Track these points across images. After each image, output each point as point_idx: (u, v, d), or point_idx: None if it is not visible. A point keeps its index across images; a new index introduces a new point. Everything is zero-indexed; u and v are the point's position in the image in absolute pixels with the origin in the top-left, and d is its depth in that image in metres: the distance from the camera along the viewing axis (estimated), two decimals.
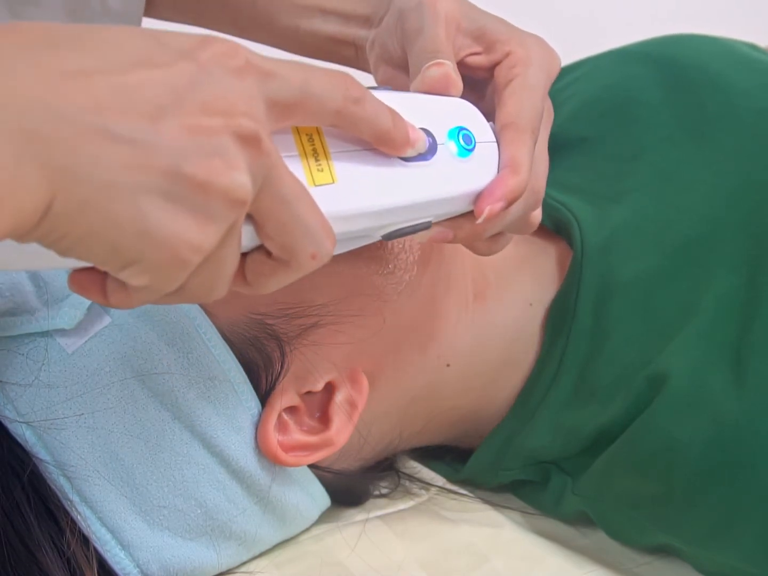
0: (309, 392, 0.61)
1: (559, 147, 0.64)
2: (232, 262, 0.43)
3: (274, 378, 0.59)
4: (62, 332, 0.56)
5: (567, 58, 0.67)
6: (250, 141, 0.40)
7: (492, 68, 0.57)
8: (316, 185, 0.46)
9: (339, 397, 0.61)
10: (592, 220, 0.69)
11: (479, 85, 0.59)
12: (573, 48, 0.87)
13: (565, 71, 0.82)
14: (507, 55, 0.56)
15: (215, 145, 0.39)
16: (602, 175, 0.74)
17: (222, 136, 0.40)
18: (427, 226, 0.51)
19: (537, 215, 0.58)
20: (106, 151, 0.38)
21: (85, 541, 0.56)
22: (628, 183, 0.72)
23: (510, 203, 0.52)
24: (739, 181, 0.69)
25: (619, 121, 0.76)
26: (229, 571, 0.63)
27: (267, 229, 0.43)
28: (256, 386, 0.59)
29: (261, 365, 0.59)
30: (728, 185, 0.69)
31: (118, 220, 0.38)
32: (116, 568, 0.58)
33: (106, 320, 0.56)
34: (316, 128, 0.47)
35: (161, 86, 0.39)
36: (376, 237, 0.51)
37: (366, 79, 0.57)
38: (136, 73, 0.39)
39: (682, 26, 0.84)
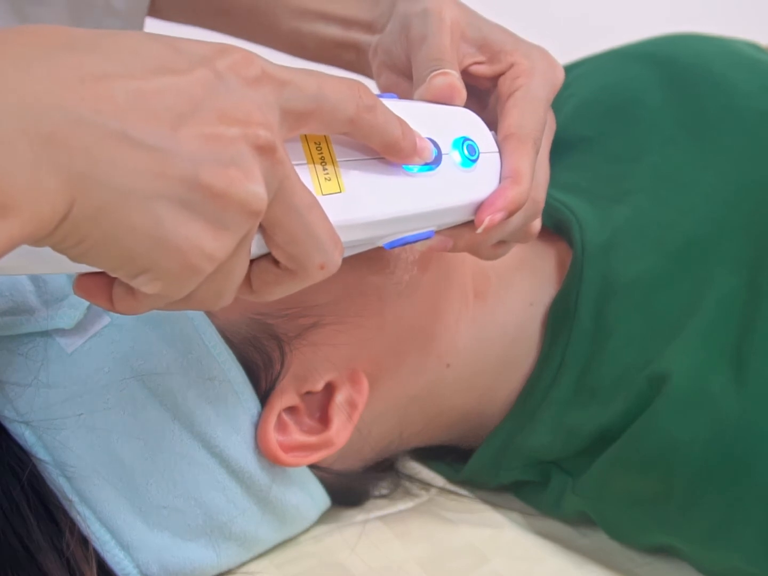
0: (309, 392, 0.61)
1: (559, 146, 0.64)
2: (241, 271, 0.43)
3: (273, 378, 0.59)
4: (62, 332, 0.56)
5: (563, 60, 0.67)
6: (265, 151, 0.41)
7: (495, 78, 0.57)
8: (323, 194, 0.46)
9: (339, 398, 0.61)
10: (593, 220, 0.69)
11: (482, 94, 0.59)
12: (571, 50, 0.87)
13: (565, 70, 0.83)
14: (511, 65, 0.57)
15: (232, 155, 0.40)
16: (603, 175, 0.74)
17: (239, 146, 0.40)
18: (429, 235, 0.52)
19: (537, 225, 0.59)
20: (124, 156, 0.38)
21: (84, 541, 0.56)
22: (629, 184, 0.72)
23: (510, 214, 0.52)
24: (740, 183, 0.69)
25: (621, 121, 0.76)
26: (229, 571, 0.63)
27: (276, 238, 0.43)
28: (256, 386, 0.59)
29: (261, 365, 0.59)
30: (729, 186, 0.69)
31: (135, 227, 0.39)
32: (116, 568, 0.58)
33: (106, 320, 0.56)
34: (324, 136, 0.47)
35: (179, 93, 0.39)
36: (378, 244, 0.51)
37: (367, 83, 0.57)
38: (155, 80, 0.39)
39: (682, 26, 0.84)
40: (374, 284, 0.62)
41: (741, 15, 1.33)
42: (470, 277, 0.67)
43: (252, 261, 0.45)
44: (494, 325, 0.67)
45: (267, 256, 0.45)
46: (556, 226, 0.71)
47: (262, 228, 0.43)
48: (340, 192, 0.47)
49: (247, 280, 0.46)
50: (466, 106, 0.55)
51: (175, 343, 0.57)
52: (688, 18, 1.02)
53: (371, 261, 0.61)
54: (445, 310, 0.65)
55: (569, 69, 0.84)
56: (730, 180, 0.69)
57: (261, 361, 0.59)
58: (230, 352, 0.58)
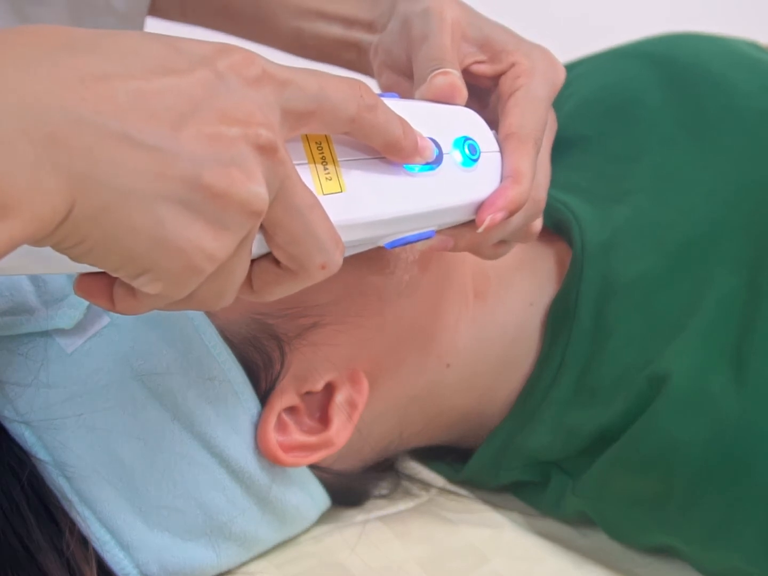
0: (309, 392, 0.61)
1: (559, 145, 0.64)
2: (242, 271, 0.43)
3: (273, 378, 0.59)
4: (61, 332, 0.56)
5: (563, 60, 0.67)
6: (266, 151, 0.41)
7: (496, 78, 0.58)
8: (324, 194, 0.46)
9: (339, 398, 0.61)
10: (593, 220, 0.69)
11: (482, 94, 0.59)
12: (571, 50, 0.87)
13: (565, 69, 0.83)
14: (512, 65, 0.57)
15: (233, 155, 0.40)
16: (603, 175, 0.74)
17: (240, 146, 0.40)
18: (430, 235, 0.52)
19: (537, 224, 0.59)
20: (126, 157, 0.38)
21: (84, 541, 0.56)
22: (629, 183, 0.72)
23: (511, 213, 0.52)
24: (740, 182, 0.69)
25: (620, 121, 0.76)
26: (229, 571, 0.63)
27: (277, 238, 0.43)
28: (256, 386, 0.59)
29: (261, 365, 0.59)
30: (729, 186, 0.69)
31: (136, 227, 0.39)
32: (116, 568, 0.58)
33: (105, 320, 0.56)
34: (325, 136, 0.47)
35: (180, 94, 0.39)
36: (379, 244, 0.51)
37: (368, 82, 0.57)
38: (155, 80, 0.39)
39: (682, 26, 0.84)
40: (374, 284, 0.62)
41: (741, 15, 1.33)
42: (470, 277, 0.67)
43: (253, 261, 0.45)
44: (494, 325, 0.67)
45: (268, 256, 0.45)
46: (555, 226, 0.71)
47: (263, 228, 0.43)
48: (341, 192, 0.47)
49: (248, 280, 0.46)
50: (467, 105, 0.55)
51: (175, 343, 0.57)
52: (688, 18, 1.02)
53: (372, 261, 0.61)
54: (445, 310, 0.65)
55: (569, 68, 0.84)
56: (730, 180, 0.69)
57: (261, 361, 0.59)
58: (230, 352, 0.58)
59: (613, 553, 0.66)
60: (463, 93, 0.54)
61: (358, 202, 0.47)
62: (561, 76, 0.58)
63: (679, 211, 0.69)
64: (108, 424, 0.56)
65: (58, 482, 0.56)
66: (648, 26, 0.89)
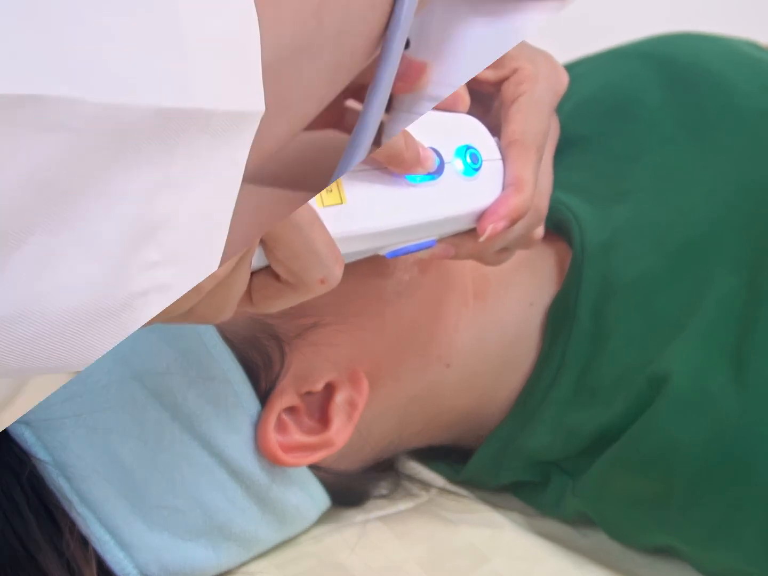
0: (309, 392, 0.61)
1: (559, 145, 0.64)
2: (241, 286, 0.43)
3: (273, 378, 0.59)
4: None
5: (562, 60, 0.67)
6: None
7: (499, 83, 0.57)
8: (325, 206, 0.46)
9: (339, 398, 0.61)
10: (593, 220, 0.69)
11: (485, 99, 0.59)
12: (571, 50, 0.87)
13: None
14: (515, 71, 0.57)
15: None
16: (603, 174, 0.74)
17: None
18: (431, 244, 0.52)
19: (539, 231, 0.59)
20: None
21: (84, 541, 0.56)
22: (629, 183, 0.72)
23: (513, 222, 0.52)
24: (740, 182, 0.69)
25: (620, 120, 0.76)
26: (229, 571, 0.63)
27: (277, 253, 0.43)
28: (256, 386, 0.59)
29: (260, 365, 0.59)
30: (729, 186, 0.69)
31: None
32: (115, 568, 0.58)
33: None
34: None
35: None
36: (380, 253, 0.51)
37: None
38: None
39: (682, 26, 0.84)
40: (375, 285, 0.62)
41: (741, 15, 1.32)
42: (470, 278, 0.67)
43: (252, 274, 0.45)
44: (494, 325, 0.67)
45: (267, 270, 0.45)
46: (555, 226, 0.71)
47: (262, 242, 0.43)
48: (342, 203, 0.46)
49: (247, 293, 0.45)
50: (469, 111, 0.54)
51: (174, 343, 0.57)
52: (688, 18, 1.02)
53: (372, 262, 0.60)
54: (445, 310, 0.65)
55: (569, 68, 0.83)
56: (730, 180, 0.69)
57: (261, 361, 0.59)
58: (230, 352, 0.58)
59: (613, 553, 0.66)
60: (465, 101, 0.54)
61: (358, 214, 0.47)
62: (564, 81, 0.58)
63: (679, 211, 0.69)
64: (108, 424, 0.56)
65: (58, 482, 0.56)
66: (648, 26, 0.89)
